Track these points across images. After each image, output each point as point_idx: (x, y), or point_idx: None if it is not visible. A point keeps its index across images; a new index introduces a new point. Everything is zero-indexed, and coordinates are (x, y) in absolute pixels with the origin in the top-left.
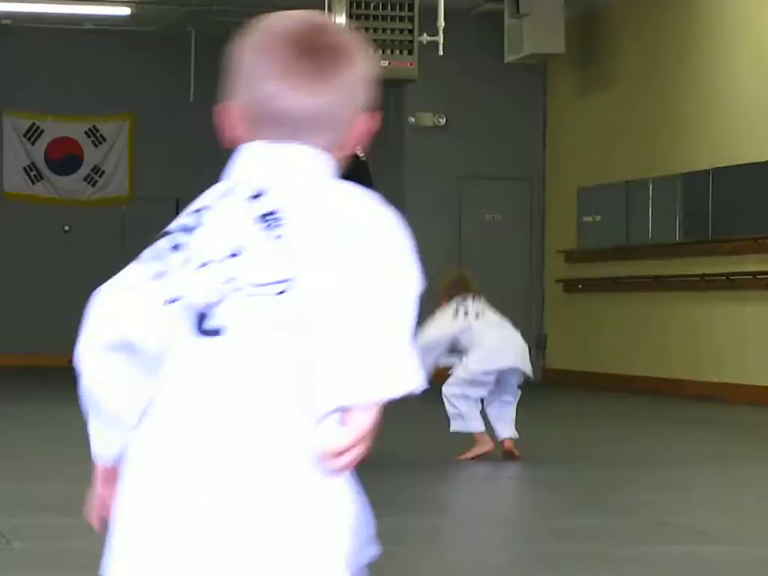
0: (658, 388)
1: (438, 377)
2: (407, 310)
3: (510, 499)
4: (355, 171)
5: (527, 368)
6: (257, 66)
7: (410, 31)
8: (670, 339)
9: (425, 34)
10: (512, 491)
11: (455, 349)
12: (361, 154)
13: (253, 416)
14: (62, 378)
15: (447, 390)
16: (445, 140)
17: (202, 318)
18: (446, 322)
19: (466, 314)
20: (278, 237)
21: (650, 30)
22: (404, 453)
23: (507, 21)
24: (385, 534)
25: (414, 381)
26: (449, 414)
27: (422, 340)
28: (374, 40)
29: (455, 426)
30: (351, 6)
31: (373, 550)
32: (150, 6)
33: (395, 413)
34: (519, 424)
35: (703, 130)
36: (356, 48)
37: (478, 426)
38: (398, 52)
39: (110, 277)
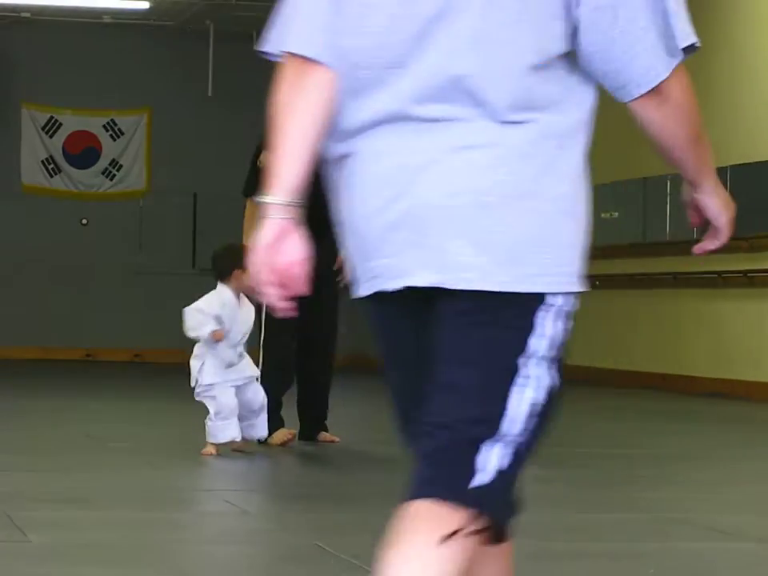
0: (674, 385)
1: None
2: None
3: (525, 495)
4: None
5: None
6: None
7: None
8: (687, 336)
9: None
10: (527, 487)
11: None
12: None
13: None
14: (78, 371)
15: None
16: None
17: None
18: None
19: None
20: None
21: None
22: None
23: None
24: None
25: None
26: None
27: None
28: None
29: None
30: None
31: None
32: (168, 0)
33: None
34: None
35: (721, 127)
36: None
37: None
38: None
39: (127, 270)
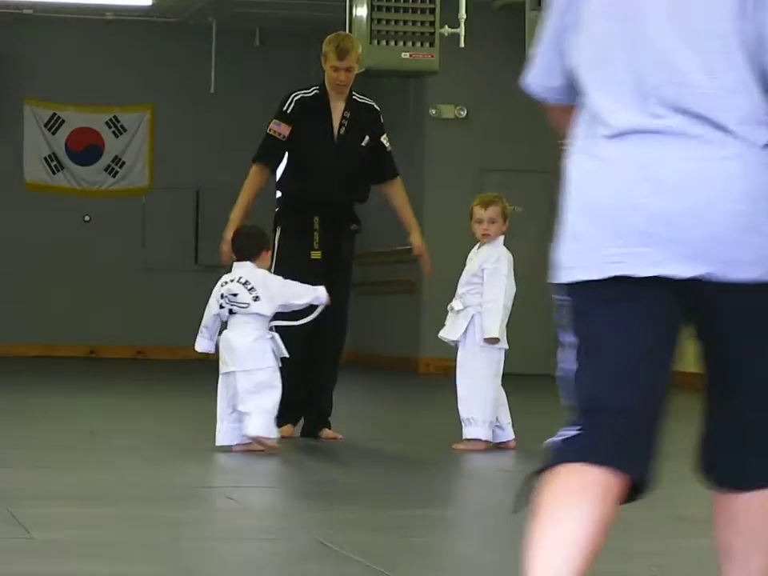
0: (678, 380)
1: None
2: None
3: (525, 493)
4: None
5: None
6: None
7: (432, 23)
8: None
9: (446, 26)
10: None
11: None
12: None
13: None
14: (81, 368)
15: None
16: (465, 132)
17: None
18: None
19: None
20: None
21: None
22: (413, 443)
23: (528, 13)
24: (398, 525)
25: None
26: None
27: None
28: (395, 32)
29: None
30: None
31: None
32: None
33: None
34: (537, 415)
35: None
36: None
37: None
38: (419, 44)
39: (129, 267)
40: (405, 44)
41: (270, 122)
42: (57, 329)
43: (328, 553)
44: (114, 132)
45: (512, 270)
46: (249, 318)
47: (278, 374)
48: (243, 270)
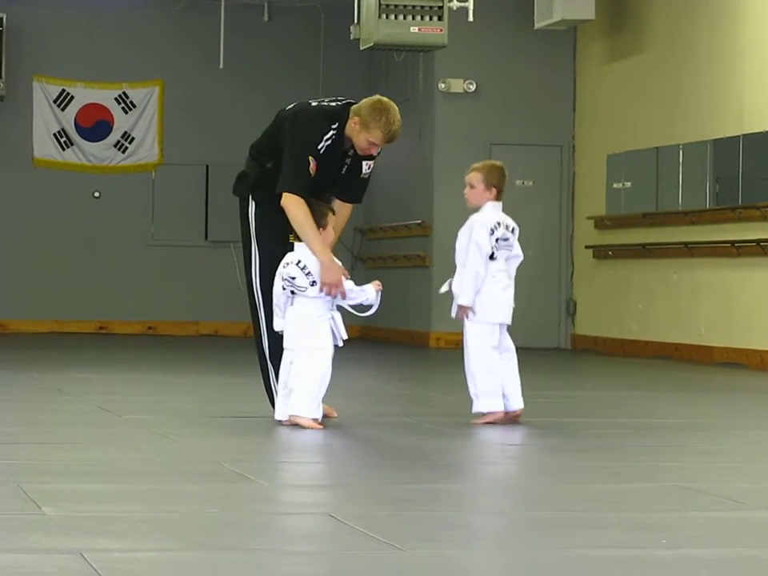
0: (687, 354)
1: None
2: None
3: (532, 465)
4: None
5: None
6: None
7: None
8: (700, 306)
9: (454, 0)
10: (534, 457)
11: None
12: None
13: None
14: (92, 344)
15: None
16: (475, 106)
17: None
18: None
19: (497, 239)
20: None
21: None
22: (423, 418)
23: None
24: (407, 499)
25: None
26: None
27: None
28: (404, 6)
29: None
30: None
31: None
32: None
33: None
34: (547, 389)
35: (733, 95)
36: None
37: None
38: (427, 18)
39: (139, 243)
40: (413, 18)
41: (308, 158)
42: (67, 305)
43: (338, 527)
44: (123, 108)
45: (485, 232)
46: (309, 300)
47: (327, 355)
48: (302, 251)
